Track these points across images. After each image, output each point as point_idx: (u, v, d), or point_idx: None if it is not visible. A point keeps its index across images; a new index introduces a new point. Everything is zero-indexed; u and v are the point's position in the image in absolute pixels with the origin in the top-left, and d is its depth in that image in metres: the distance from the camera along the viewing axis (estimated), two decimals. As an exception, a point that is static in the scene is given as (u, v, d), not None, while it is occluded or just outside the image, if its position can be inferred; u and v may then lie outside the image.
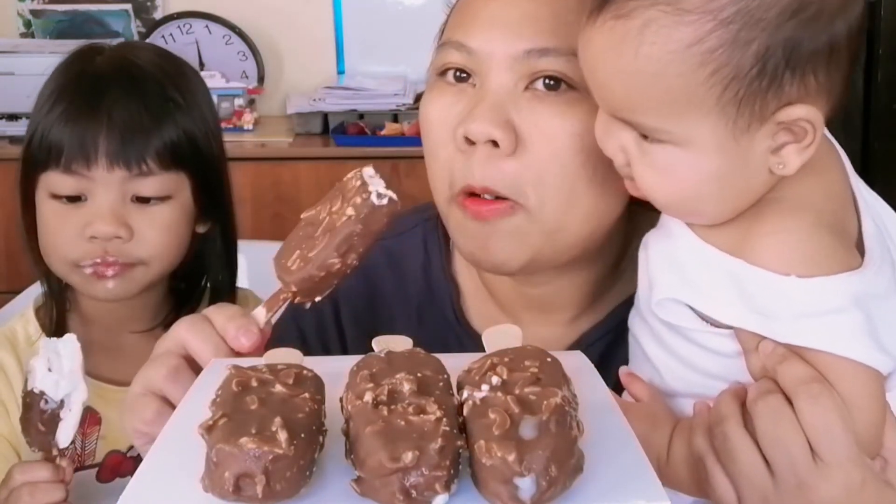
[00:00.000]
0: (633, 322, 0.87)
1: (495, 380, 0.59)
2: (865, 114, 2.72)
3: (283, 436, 0.56)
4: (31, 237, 1.25)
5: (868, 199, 0.82)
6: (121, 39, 2.74)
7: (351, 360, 0.65)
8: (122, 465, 1.26)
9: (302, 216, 0.83)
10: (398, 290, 1.06)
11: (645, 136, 0.77)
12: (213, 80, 2.58)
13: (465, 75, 0.89)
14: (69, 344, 1.00)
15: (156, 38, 2.85)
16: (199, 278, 1.34)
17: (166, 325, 1.14)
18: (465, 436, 0.57)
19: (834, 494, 0.72)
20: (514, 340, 0.68)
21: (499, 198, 0.87)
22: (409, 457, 0.54)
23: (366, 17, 2.94)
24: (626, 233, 0.97)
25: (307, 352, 0.73)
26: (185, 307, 1.29)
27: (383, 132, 2.62)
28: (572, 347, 0.96)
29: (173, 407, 0.79)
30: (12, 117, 2.54)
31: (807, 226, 0.75)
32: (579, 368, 0.71)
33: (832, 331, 0.73)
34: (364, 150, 2.57)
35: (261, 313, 0.84)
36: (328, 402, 0.63)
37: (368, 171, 0.80)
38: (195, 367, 0.81)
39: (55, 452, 1.03)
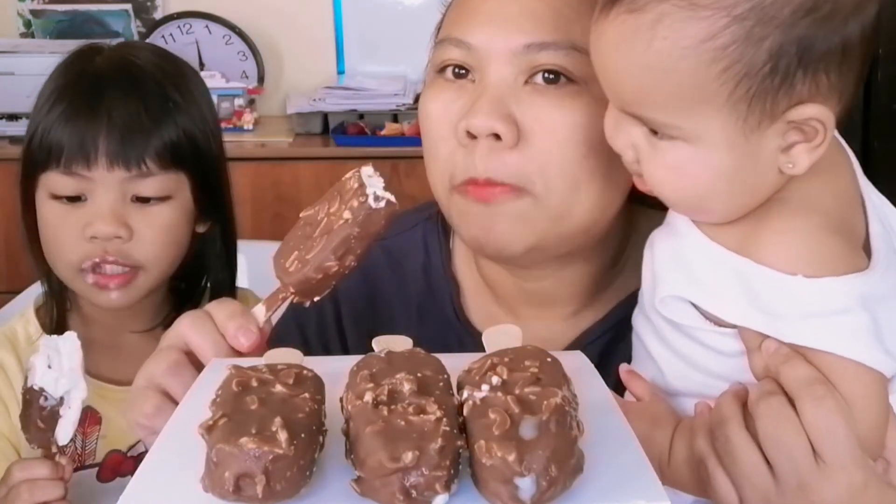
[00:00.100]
0: (637, 320, 0.87)
1: (495, 380, 0.59)
2: (865, 114, 2.71)
3: (283, 436, 0.56)
4: (31, 237, 1.25)
5: (876, 201, 0.82)
6: (121, 39, 2.74)
7: (351, 360, 0.65)
8: (123, 464, 1.26)
9: (301, 215, 0.83)
10: (398, 289, 1.06)
11: (655, 133, 0.76)
12: (213, 80, 2.58)
13: (463, 71, 0.90)
14: (69, 341, 1.00)
15: (156, 38, 2.84)
16: (199, 278, 1.34)
17: (166, 324, 1.14)
18: (465, 436, 0.57)
19: (836, 496, 0.72)
20: (514, 340, 0.68)
21: (503, 185, 0.87)
22: (409, 457, 0.54)
23: (366, 17, 2.94)
24: (624, 229, 0.98)
25: (307, 351, 0.73)
26: (185, 307, 1.28)
27: (383, 132, 2.62)
28: (573, 344, 0.97)
29: (174, 401, 0.80)
30: (12, 117, 2.54)
31: (814, 226, 0.75)
32: (579, 368, 0.71)
33: (837, 331, 0.73)
34: (364, 150, 2.56)
35: (260, 311, 0.84)
36: (328, 402, 0.63)
37: (367, 170, 0.80)
38: (196, 363, 0.82)
39: (54, 450, 1.03)
